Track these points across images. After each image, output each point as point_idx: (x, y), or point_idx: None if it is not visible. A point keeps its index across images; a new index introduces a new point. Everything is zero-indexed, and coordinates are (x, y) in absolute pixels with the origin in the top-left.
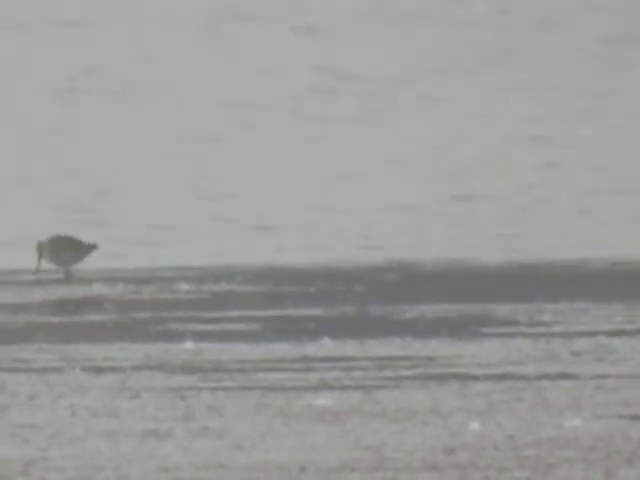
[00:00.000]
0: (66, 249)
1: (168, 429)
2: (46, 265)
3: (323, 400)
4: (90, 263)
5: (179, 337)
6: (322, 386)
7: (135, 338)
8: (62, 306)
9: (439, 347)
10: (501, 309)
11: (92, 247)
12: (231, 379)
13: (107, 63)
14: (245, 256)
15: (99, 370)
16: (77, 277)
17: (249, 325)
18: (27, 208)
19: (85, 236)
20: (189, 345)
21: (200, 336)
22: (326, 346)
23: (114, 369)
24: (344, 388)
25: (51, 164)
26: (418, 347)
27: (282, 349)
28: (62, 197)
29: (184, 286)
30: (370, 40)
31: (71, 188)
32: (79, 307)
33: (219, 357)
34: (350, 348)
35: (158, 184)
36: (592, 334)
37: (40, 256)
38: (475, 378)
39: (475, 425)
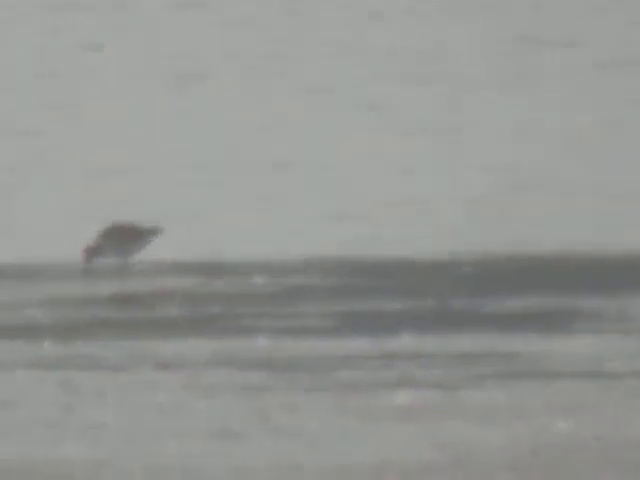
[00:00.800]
0: (125, 237)
1: (241, 428)
2: (105, 257)
3: (403, 398)
4: (160, 255)
5: (253, 333)
6: (402, 383)
7: (207, 334)
8: (131, 300)
9: (524, 343)
10: (589, 303)
11: (154, 231)
12: (307, 376)
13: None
14: (321, 248)
15: (169, 367)
16: (141, 269)
17: (325, 320)
18: (90, 199)
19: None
20: (263, 341)
21: (275, 332)
22: (406, 342)
23: (185, 366)
24: (424, 386)
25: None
26: (502, 343)
27: (360, 345)
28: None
29: (258, 279)
30: None
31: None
32: (149, 301)
33: (294, 353)
34: (431, 344)
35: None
36: None
37: (94, 248)
38: (562, 375)
39: (562, 424)
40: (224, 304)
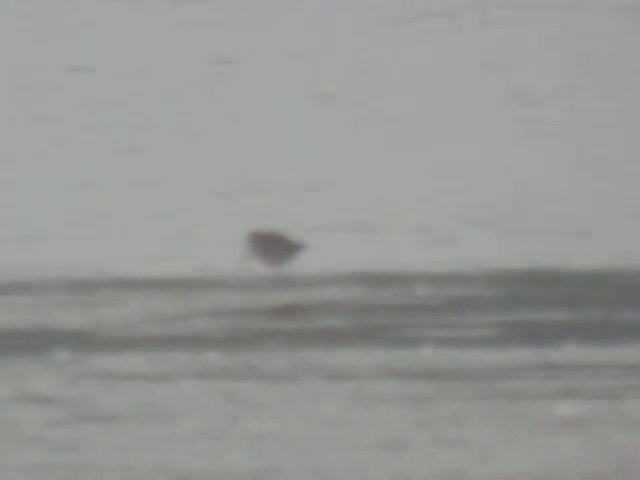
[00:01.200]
0: (274, 247)
1: (407, 438)
2: (254, 265)
3: (568, 409)
4: (326, 266)
5: (418, 343)
6: (567, 394)
7: (372, 344)
8: (297, 311)
9: None
10: None
11: (300, 246)
12: (471, 386)
13: None
14: (483, 260)
15: (334, 377)
16: (306, 279)
17: (489, 330)
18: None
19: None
20: (428, 351)
21: (439, 342)
22: (571, 352)
23: (351, 376)
24: (590, 396)
25: None
26: None
27: (524, 355)
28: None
29: (422, 290)
30: None
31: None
32: (314, 312)
33: (459, 364)
34: (597, 354)
35: None
36: None
37: (248, 250)
38: None
39: None
40: (389, 315)
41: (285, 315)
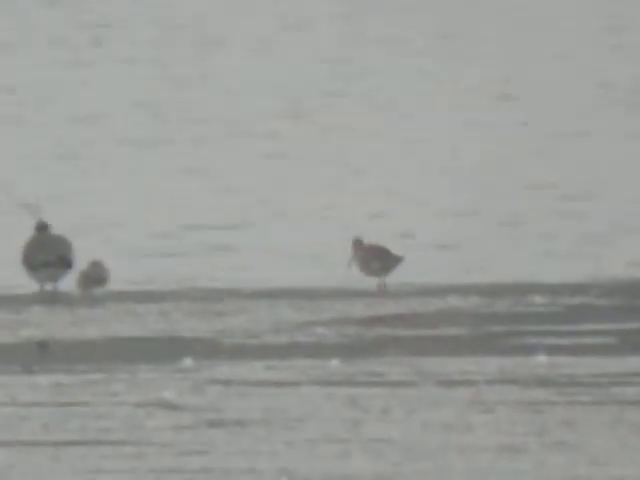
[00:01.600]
0: (376, 258)
1: (523, 443)
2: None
3: None
4: (442, 276)
5: (533, 350)
6: None
7: (489, 351)
8: (415, 319)
9: None
10: None
11: (399, 259)
12: (586, 393)
13: None
14: (600, 269)
15: (453, 384)
16: (426, 289)
17: (605, 338)
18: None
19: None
20: (543, 358)
21: (555, 349)
22: None
23: (468, 383)
24: None
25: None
26: None
27: (639, 363)
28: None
29: (538, 299)
30: None
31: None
32: (432, 320)
33: (574, 371)
34: None
35: None
36: None
37: (354, 254)
38: None
39: None
40: (506, 323)
41: (404, 323)
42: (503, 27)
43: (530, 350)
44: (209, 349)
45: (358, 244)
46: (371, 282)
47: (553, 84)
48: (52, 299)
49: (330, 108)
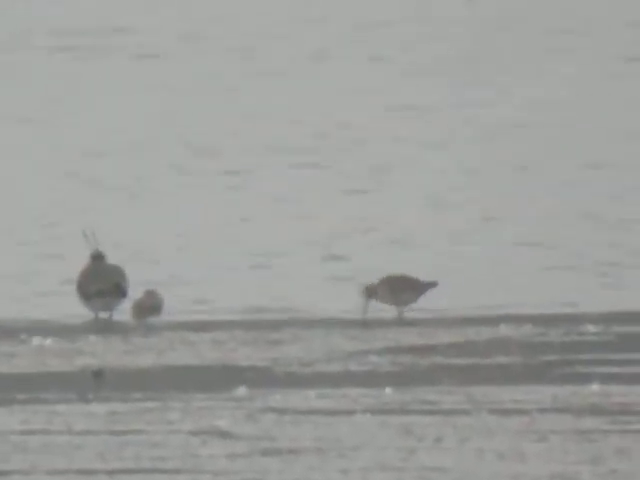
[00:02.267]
0: (405, 289)
1: (576, 472)
2: (381, 301)
3: None
4: (498, 305)
5: (586, 379)
6: None
7: (542, 380)
8: (468, 347)
9: None
10: None
11: (430, 285)
12: (639, 421)
13: None
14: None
15: (506, 412)
16: (478, 317)
17: None
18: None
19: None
20: (596, 387)
21: (607, 378)
22: None
23: (521, 411)
24: None
25: None
26: None
27: None
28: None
29: (591, 328)
30: None
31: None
32: (485, 348)
33: (627, 399)
34: None
35: None
36: None
37: (368, 299)
38: None
39: None
40: (559, 352)
41: (457, 352)
42: None
43: (583, 379)
44: (263, 378)
45: (371, 289)
46: (424, 312)
47: None
48: (107, 328)
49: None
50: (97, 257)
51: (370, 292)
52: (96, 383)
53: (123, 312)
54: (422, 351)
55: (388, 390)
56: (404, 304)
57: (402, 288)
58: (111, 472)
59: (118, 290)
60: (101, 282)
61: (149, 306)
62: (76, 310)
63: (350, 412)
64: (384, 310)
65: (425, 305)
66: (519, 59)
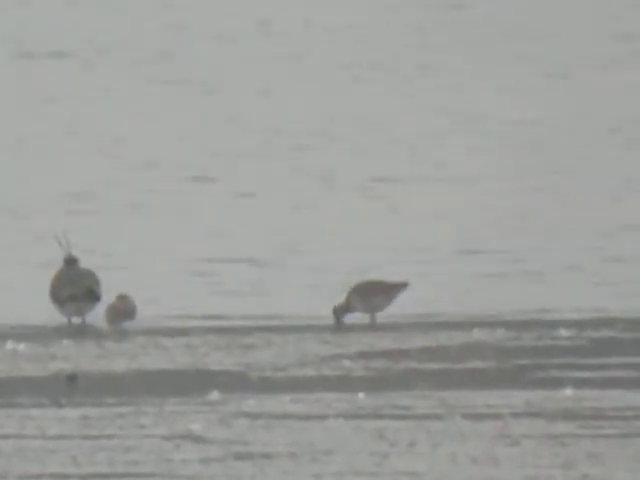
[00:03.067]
0: (375, 293)
1: (548, 477)
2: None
3: None
4: (470, 309)
5: (559, 384)
6: None
7: (515, 385)
8: (441, 352)
9: None
10: None
11: (401, 286)
12: (612, 426)
13: None
14: (623, 303)
15: (479, 417)
16: (437, 322)
17: (630, 372)
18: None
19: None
20: (569, 392)
21: (580, 383)
22: None
23: (494, 416)
24: None
25: None
26: None
27: None
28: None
29: (564, 332)
30: None
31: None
32: (459, 353)
33: (600, 404)
34: None
35: None
36: None
37: (339, 318)
38: None
39: None
40: (532, 356)
41: (430, 356)
42: None
43: (556, 383)
44: (236, 382)
45: (340, 308)
46: (398, 316)
47: None
48: (80, 332)
49: None
50: (70, 262)
51: (340, 310)
52: (69, 388)
53: (96, 317)
54: (395, 356)
55: (361, 395)
56: (379, 309)
57: (373, 293)
58: (84, 477)
59: (91, 295)
60: (74, 287)
61: (122, 310)
62: (49, 314)
63: (323, 417)
64: (355, 314)
65: (399, 310)
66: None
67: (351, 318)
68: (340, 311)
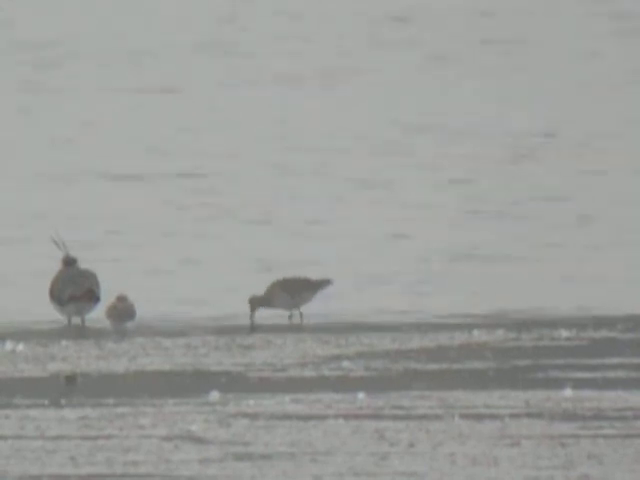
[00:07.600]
0: (302, 289)
1: (548, 477)
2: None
3: None
4: (470, 309)
5: (559, 384)
6: None
7: (515, 385)
8: (441, 353)
9: None
10: None
11: (324, 282)
12: (611, 427)
13: None
14: (625, 304)
15: (479, 417)
16: (438, 322)
17: (629, 372)
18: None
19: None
20: (569, 392)
21: (580, 383)
22: None
23: (494, 417)
24: None
25: None
26: None
27: None
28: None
29: (564, 333)
30: None
31: None
32: (458, 354)
33: (599, 405)
34: None
35: None
36: None
37: (255, 309)
38: None
39: None
40: (531, 357)
41: (430, 357)
42: None
43: (556, 384)
44: (236, 383)
45: (258, 300)
46: (398, 316)
47: None
48: (79, 333)
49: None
50: (69, 262)
51: (257, 302)
52: (69, 388)
53: (96, 317)
54: (395, 356)
55: (361, 395)
56: (300, 306)
57: (299, 289)
58: (84, 477)
59: (91, 295)
60: (74, 287)
61: (122, 311)
62: (49, 315)
63: (323, 417)
64: (355, 315)
65: (399, 310)
66: None
67: (351, 318)
68: (258, 303)
